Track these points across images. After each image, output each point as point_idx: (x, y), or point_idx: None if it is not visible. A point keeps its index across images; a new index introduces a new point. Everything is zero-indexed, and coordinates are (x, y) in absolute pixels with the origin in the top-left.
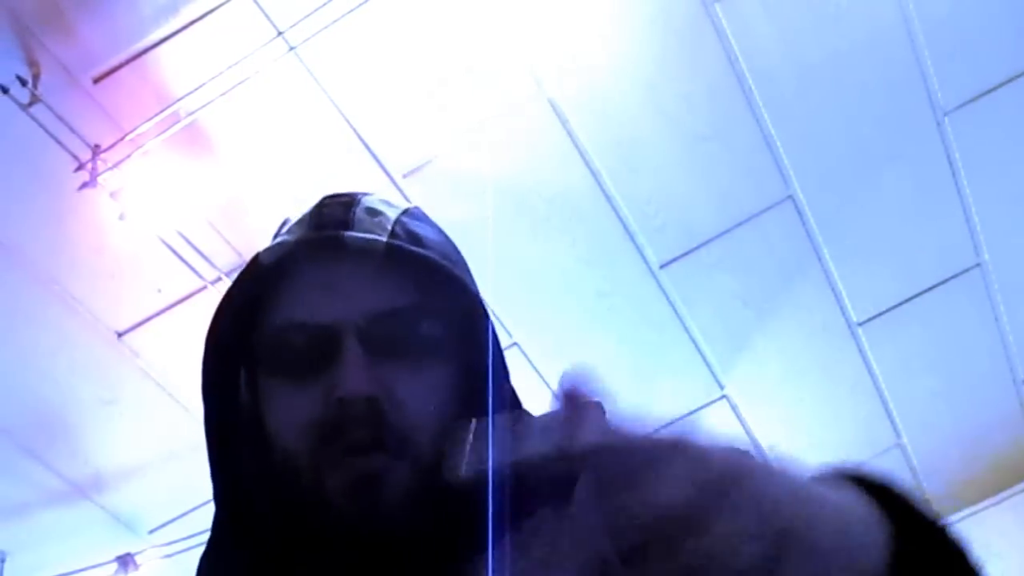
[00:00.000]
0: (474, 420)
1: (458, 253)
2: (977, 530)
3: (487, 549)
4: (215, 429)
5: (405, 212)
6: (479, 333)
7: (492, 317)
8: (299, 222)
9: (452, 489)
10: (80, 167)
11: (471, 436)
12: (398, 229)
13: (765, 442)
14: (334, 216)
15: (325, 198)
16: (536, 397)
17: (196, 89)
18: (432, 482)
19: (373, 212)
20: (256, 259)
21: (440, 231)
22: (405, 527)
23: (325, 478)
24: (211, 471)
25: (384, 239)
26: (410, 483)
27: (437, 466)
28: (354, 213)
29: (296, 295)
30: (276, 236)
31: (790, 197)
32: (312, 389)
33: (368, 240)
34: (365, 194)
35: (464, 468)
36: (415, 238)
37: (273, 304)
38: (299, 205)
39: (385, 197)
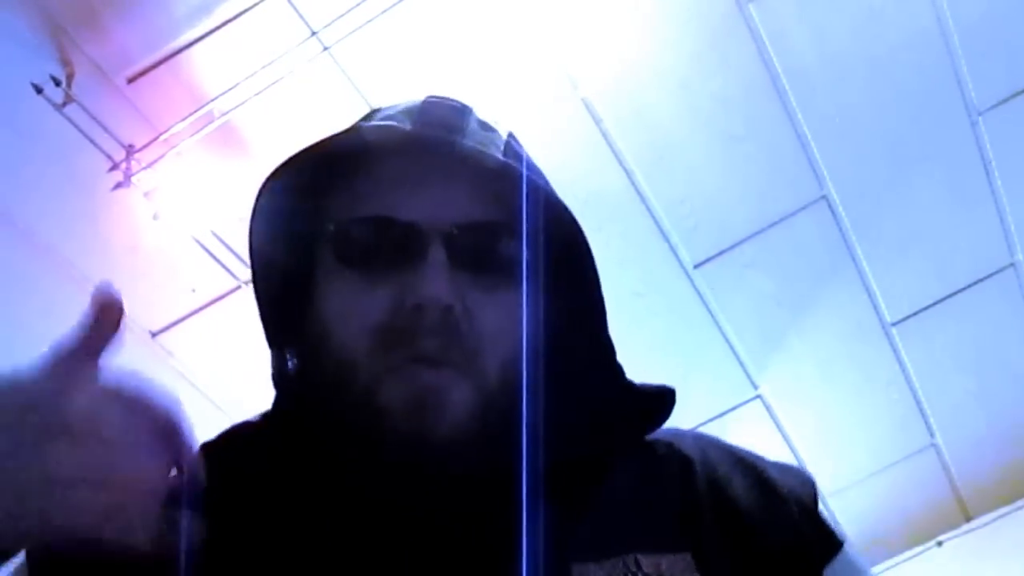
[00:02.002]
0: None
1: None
2: (1012, 530)
3: (533, 497)
4: (268, 304)
5: (511, 133)
6: (579, 268)
7: None
8: (404, 112)
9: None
10: (114, 167)
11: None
12: (508, 150)
13: (798, 442)
14: (446, 119)
15: (431, 97)
16: None
17: (230, 89)
18: (493, 411)
19: (485, 126)
20: (357, 131)
21: (540, 170)
22: (459, 450)
23: (384, 385)
24: (270, 351)
25: (499, 156)
26: (471, 407)
27: (500, 396)
28: (469, 122)
29: (388, 187)
30: (371, 120)
31: (824, 197)
32: (385, 289)
33: (483, 153)
34: (473, 108)
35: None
36: (523, 160)
37: (357, 188)
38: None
39: None
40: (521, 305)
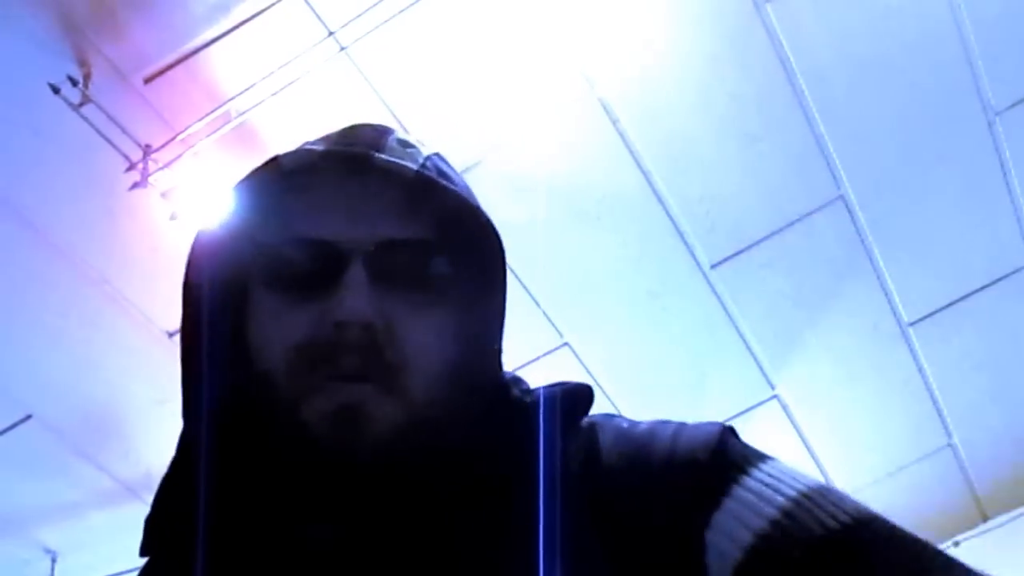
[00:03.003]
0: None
1: (478, 203)
2: None
3: (460, 511)
4: (191, 334)
5: (435, 152)
6: (497, 283)
7: (542, 317)
8: (324, 138)
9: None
10: (131, 167)
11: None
12: (428, 163)
13: (816, 442)
14: (365, 138)
15: (356, 123)
16: None
17: (247, 89)
18: (418, 426)
19: (405, 144)
20: (275, 161)
21: (464, 181)
22: (382, 467)
23: (305, 404)
24: (182, 380)
25: (414, 167)
26: (395, 422)
27: (426, 411)
28: (386, 140)
29: (308, 208)
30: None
31: (841, 197)
32: (306, 308)
33: (398, 165)
34: (396, 129)
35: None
36: (443, 174)
37: (281, 213)
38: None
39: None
40: (444, 321)
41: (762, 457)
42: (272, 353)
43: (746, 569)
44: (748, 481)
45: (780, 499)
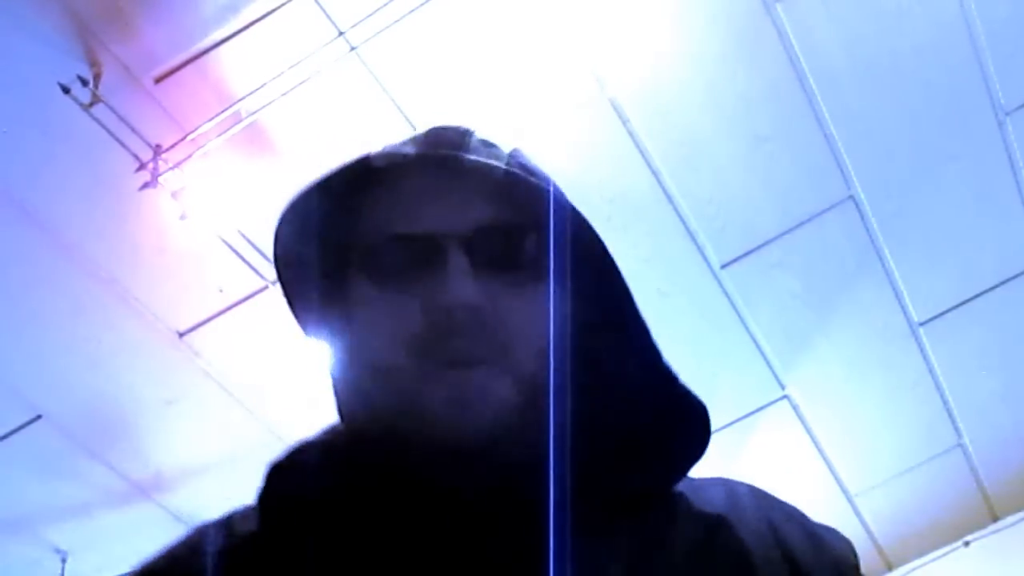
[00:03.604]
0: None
1: (562, 191)
2: None
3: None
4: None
5: (516, 148)
6: (596, 263)
7: None
8: (411, 140)
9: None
10: (141, 167)
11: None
12: (512, 161)
13: (826, 443)
14: (449, 139)
15: (436, 127)
16: None
17: (257, 89)
18: (533, 401)
19: (488, 144)
20: (366, 160)
21: (545, 173)
22: (506, 441)
23: (425, 391)
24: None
25: (503, 166)
26: (513, 397)
27: (540, 383)
28: (470, 141)
29: (403, 205)
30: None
31: (851, 197)
32: (413, 299)
33: (486, 164)
34: (474, 131)
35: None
36: (528, 169)
37: (376, 209)
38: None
39: None
40: (545, 297)
41: None
42: (384, 344)
43: None
44: None
45: None
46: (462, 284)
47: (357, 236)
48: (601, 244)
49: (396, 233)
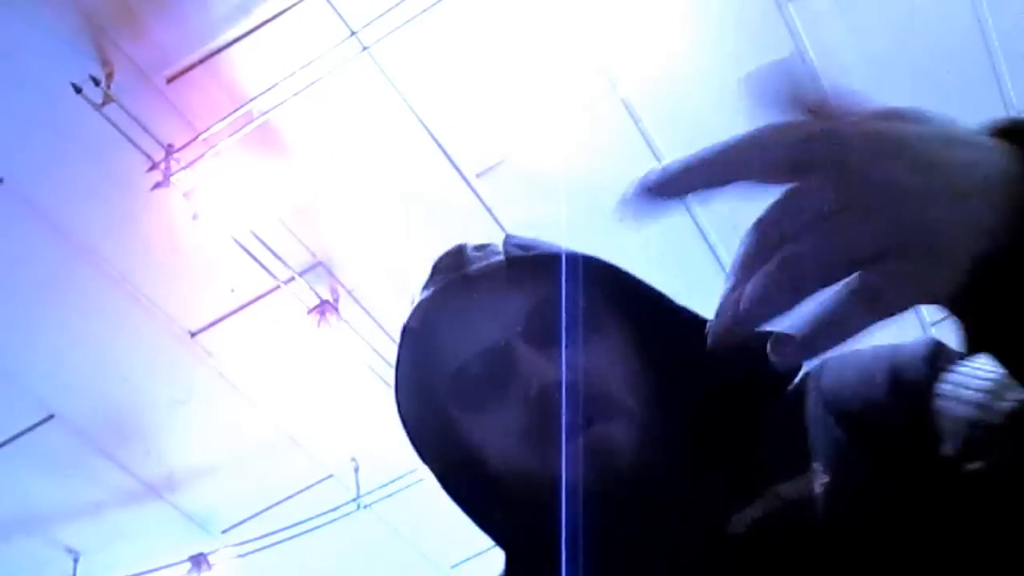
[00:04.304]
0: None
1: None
2: None
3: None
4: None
5: (507, 237)
6: (628, 293)
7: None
8: (423, 285)
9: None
10: (153, 167)
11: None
12: (508, 248)
13: None
14: (448, 264)
15: (434, 262)
16: None
17: (269, 89)
18: (655, 434)
19: (479, 248)
20: (405, 329)
21: (549, 243)
22: (646, 475)
23: (560, 469)
24: (483, 527)
25: (501, 258)
26: (635, 440)
27: (656, 417)
28: (465, 255)
29: (454, 339)
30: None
31: None
32: (508, 405)
33: (488, 265)
34: (465, 244)
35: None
36: (525, 247)
37: (437, 357)
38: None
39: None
40: (613, 341)
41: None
42: (510, 454)
43: (977, 427)
44: (963, 365)
45: (995, 373)
46: (536, 368)
47: (432, 388)
48: (613, 268)
49: (464, 362)
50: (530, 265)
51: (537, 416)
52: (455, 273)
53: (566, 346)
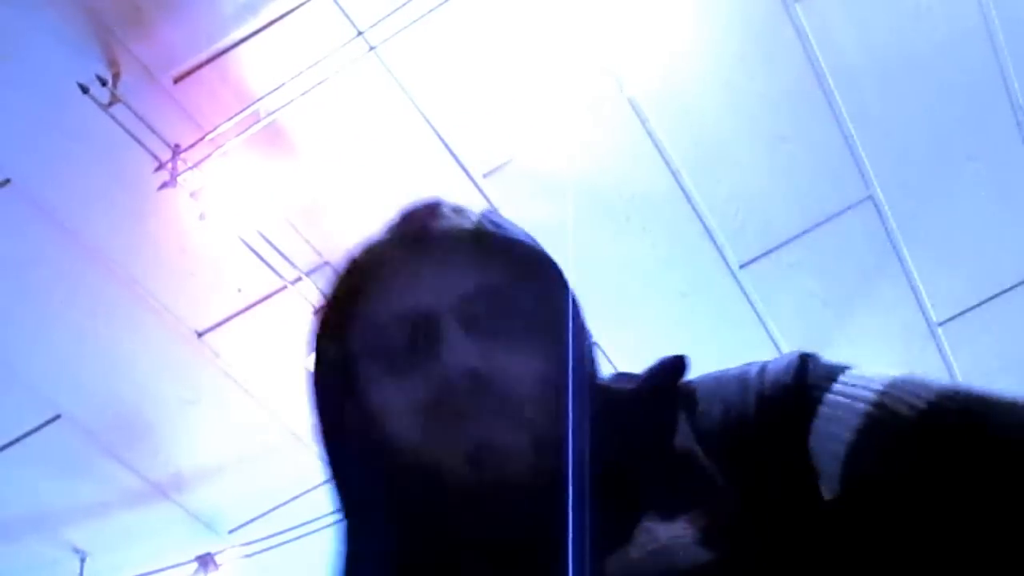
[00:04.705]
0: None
1: (537, 242)
2: None
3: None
4: (330, 435)
5: (487, 211)
6: (565, 306)
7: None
8: (385, 228)
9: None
10: (160, 167)
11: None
12: (483, 220)
13: None
14: (420, 215)
15: (405, 207)
16: None
17: (276, 89)
18: (547, 448)
19: (457, 211)
20: (351, 260)
21: (519, 227)
22: (530, 495)
23: (443, 455)
24: (332, 482)
25: (470, 227)
26: (525, 450)
27: (550, 432)
28: (440, 212)
29: (392, 289)
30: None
31: (870, 197)
32: (418, 372)
33: (457, 228)
34: (444, 199)
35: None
36: (498, 225)
37: (369, 301)
38: (379, 204)
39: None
40: (538, 346)
41: (843, 368)
42: (399, 421)
43: (852, 460)
44: (836, 387)
45: (869, 394)
46: (458, 352)
47: (361, 322)
48: (566, 288)
49: (392, 313)
50: (495, 245)
51: (435, 399)
52: (420, 225)
53: (497, 335)
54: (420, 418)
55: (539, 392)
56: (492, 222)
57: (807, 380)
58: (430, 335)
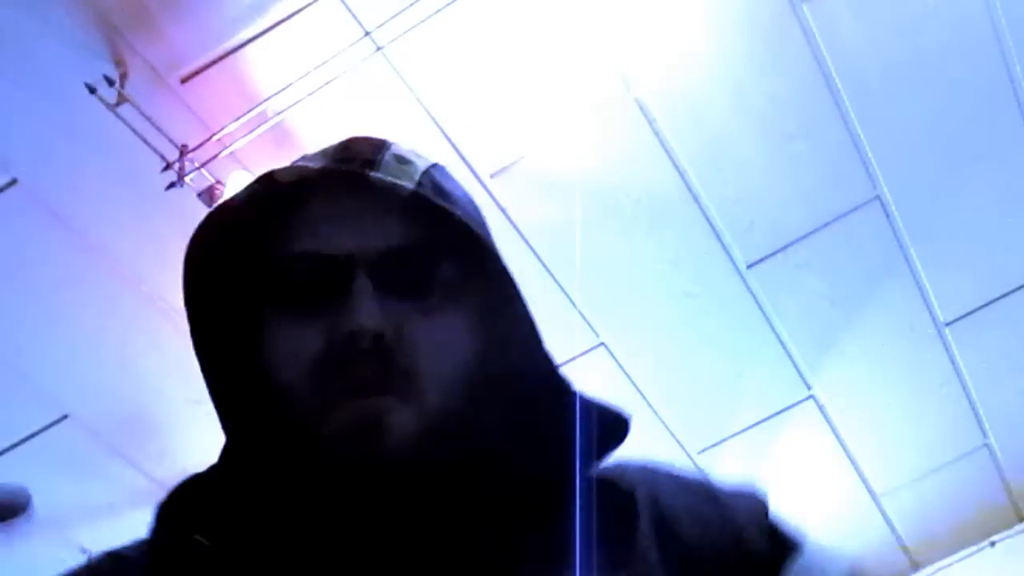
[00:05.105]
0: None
1: (481, 215)
2: None
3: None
4: (207, 355)
5: (433, 166)
6: (500, 290)
7: (578, 317)
8: (321, 153)
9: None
10: (167, 167)
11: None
12: (424, 179)
13: (852, 443)
14: (361, 154)
15: (353, 136)
16: (623, 397)
17: (283, 89)
18: (436, 431)
19: (402, 160)
20: (270, 177)
21: (465, 192)
22: (404, 475)
23: (324, 417)
24: (212, 399)
25: (410, 186)
26: (412, 429)
27: (443, 416)
28: (383, 156)
29: (309, 224)
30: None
31: (877, 197)
32: (317, 323)
33: (394, 184)
34: (395, 142)
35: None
36: (441, 191)
37: (280, 230)
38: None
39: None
40: (455, 325)
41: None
42: (288, 368)
43: None
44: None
45: None
46: (366, 309)
47: (263, 256)
48: (506, 272)
49: (300, 252)
50: (428, 208)
51: (331, 353)
52: (359, 165)
53: (408, 301)
54: (308, 368)
55: (439, 369)
56: (435, 184)
57: (778, 531)
58: (340, 283)
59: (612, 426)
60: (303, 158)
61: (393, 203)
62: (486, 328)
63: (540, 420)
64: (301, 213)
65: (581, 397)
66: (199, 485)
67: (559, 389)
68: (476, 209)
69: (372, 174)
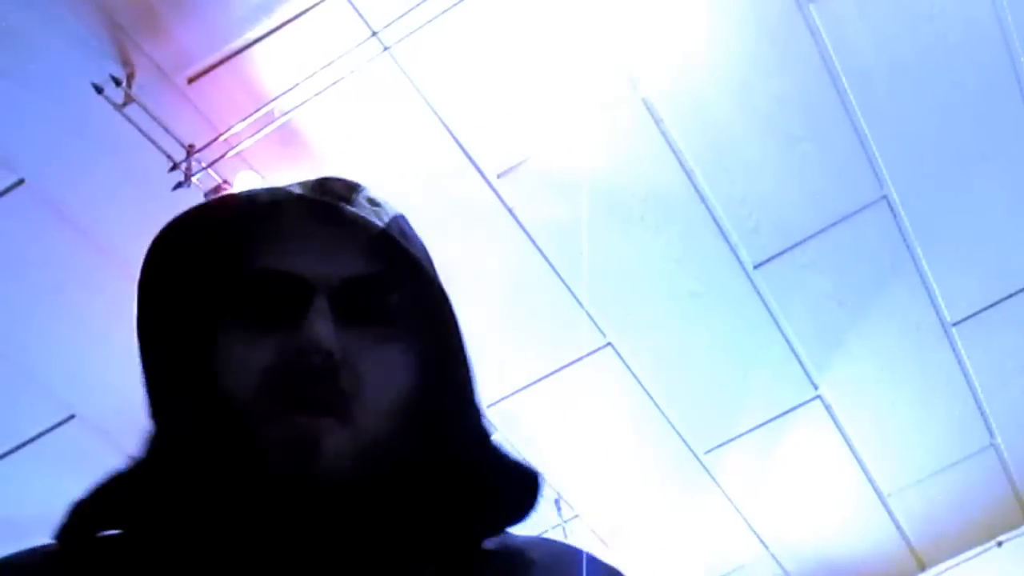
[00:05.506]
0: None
1: (435, 268)
2: None
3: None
4: (151, 347)
5: (400, 214)
6: (447, 336)
7: (585, 317)
8: (299, 184)
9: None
10: (174, 167)
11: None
12: (392, 224)
13: (858, 443)
14: (336, 191)
15: (329, 176)
16: (629, 397)
17: (290, 89)
18: (367, 456)
19: (374, 202)
20: (250, 195)
21: (424, 245)
22: (335, 497)
23: (263, 430)
24: (146, 391)
25: (381, 224)
26: (348, 450)
27: (375, 442)
28: (356, 196)
29: (278, 243)
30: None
31: (884, 197)
32: (271, 337)
33: (364, 219)
34: (367, 187)
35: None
36: (405, 236)
37: (250, 244)
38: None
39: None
40: (400, 358)
41: None
42: (236, 375)
43: None
44: None
45: None
46: (320, 328)
47: (227, 269)
48: (454, 319)
49: (265, 268)
50: (392, 249)
51: (280, 366)
52: (333, 199)
53: (362, 329)
54: (256, 377)
55: (379, 395)
56: (401, 229)
57: None
58: (300, 303)
59: (524, 491)
60: (277, 186)
61: (361, 237)
62: (428, 367)
63: (456, 470)
64: (273, 233)
65: (500, 455)
66: (122, 481)
67: (480, 440)
68: (432, 262)
69: (347, 208)
